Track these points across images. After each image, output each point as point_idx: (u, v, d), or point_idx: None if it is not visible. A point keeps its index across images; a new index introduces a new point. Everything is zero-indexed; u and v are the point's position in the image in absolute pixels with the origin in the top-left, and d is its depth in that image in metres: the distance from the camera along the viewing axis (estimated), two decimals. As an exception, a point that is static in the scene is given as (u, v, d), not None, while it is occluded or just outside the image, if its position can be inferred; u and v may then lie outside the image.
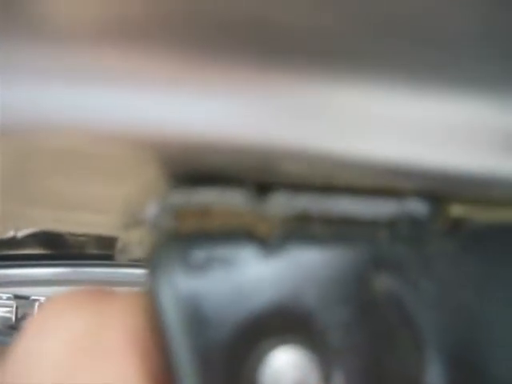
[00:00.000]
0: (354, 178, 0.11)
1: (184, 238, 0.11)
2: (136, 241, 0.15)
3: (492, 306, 0.11)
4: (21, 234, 0.79)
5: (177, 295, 0.10)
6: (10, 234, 0.74)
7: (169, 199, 0.11)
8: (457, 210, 0.12)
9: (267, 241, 0.11)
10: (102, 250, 0.90)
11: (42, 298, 0.80)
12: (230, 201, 0.11)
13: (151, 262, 0.11)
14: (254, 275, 0.11)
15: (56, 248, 0.91)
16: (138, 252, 0.15)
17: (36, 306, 0.83)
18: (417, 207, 0.12)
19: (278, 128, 0.10)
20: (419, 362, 0.10)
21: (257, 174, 0.11)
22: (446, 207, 0.12)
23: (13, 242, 0.83)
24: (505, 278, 0.11)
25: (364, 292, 0.11)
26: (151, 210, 0.11)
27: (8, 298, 0.86)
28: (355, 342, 0.10)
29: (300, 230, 0.11)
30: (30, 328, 0.12)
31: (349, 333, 0.10)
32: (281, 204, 0.11)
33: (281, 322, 0.11)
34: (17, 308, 0.85)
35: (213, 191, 0.11)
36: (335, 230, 0.11)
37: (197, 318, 0.10)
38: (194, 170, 0.11)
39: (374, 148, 0.11)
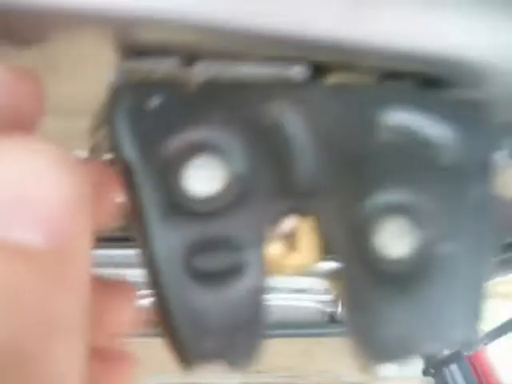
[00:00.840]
0: (255, 49, 0.16)
1: (133, 85, 0.16)
2: (104, 137, 0.20)
3: (346, 127, 0.16)
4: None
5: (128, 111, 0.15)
6: None
7: (121, 67, 0.16)
8: (333, 77, 0.17)
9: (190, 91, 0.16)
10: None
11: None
12: (165, 66, 0.16)
13: (112, 98, 0.15)
14: (180, 109, 0.15)
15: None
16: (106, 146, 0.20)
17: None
18: (300, 71, 0.16)
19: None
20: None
21: (184, 47, 0.16)
22: (324, 73, 0.17)
23: None
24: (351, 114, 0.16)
25: (257, 123, 0.16)
26: (111, 77, 0.16)
27: None
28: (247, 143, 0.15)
29: (213, 87, 0.16)
30: None
31: (246, 145, 0.15)
32: (202, 69, 0.16)
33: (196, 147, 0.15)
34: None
35: (152, 60, 0.16)
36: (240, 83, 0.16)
37: (143, 130, 0.15)
38: (135, 43, 0.16)
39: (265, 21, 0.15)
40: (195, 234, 0.15)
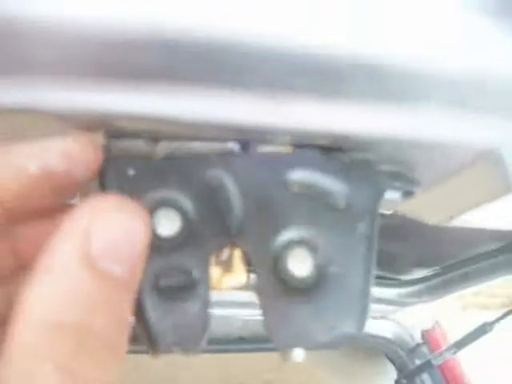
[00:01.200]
0: (200, 132, 0.23)
1: (116, 158, 0.22)
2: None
3: (264, 184, 0.23)
4: None
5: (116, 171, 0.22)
6: None
7: (107, 146, 0.23)
8: (261, 148, 0.24)
9: (155, 163, 0.23)
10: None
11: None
12: (138, 145, 0.23)
13: (103, 169, 0.22)
14: (149, 175, 0.22)
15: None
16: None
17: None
18: (233, 145, 0.23)
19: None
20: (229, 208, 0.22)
21: (151, 132, 0.23)
22: (255, 145, 0.24)
23: None
24: (268, 174, 0.23)
25: (203, 184, 0.22)
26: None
27: None
28: (196, 198, 0.22)
29: (172, 159, 0.23)
30: None
31: (195, 200, 0.22)
32: (163, 146, 0.23)
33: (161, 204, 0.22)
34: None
35: (129, 140, 0.23)
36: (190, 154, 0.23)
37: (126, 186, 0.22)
38: (116, 129, 0.23)
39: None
40: (161, 263, 0.22)
